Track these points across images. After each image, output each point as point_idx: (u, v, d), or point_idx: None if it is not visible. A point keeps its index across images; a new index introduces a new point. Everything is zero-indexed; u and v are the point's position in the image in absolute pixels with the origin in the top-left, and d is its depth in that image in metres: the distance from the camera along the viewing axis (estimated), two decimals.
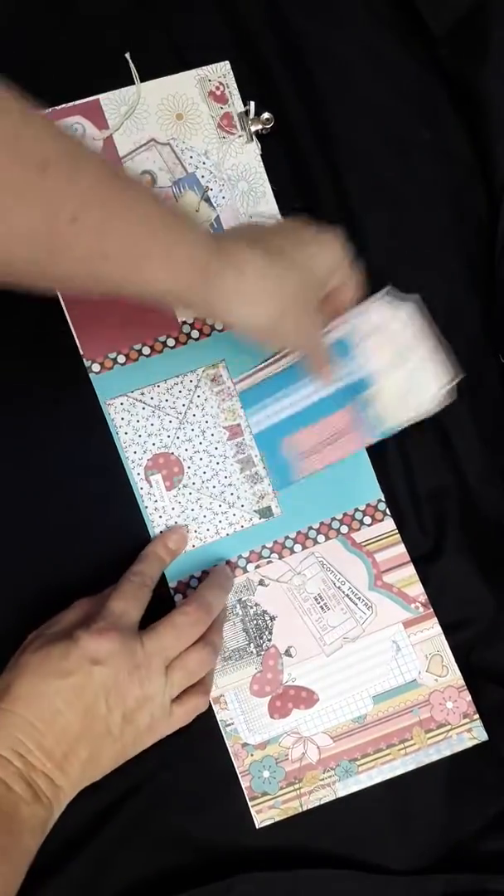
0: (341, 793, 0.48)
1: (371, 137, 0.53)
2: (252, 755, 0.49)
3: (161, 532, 0.50)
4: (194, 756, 0.48)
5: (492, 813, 0.49)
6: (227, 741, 0.49)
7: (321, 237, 0.44)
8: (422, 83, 0.54)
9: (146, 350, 0.51)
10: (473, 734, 0.49)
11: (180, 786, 0.48)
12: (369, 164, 0.52)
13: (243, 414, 0.52)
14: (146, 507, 0.50)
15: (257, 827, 0.48)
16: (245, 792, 0.48)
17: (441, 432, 0.52)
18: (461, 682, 0.50)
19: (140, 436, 0.51)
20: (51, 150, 0.32)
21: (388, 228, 0.53)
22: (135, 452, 0.50)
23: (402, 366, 0.47)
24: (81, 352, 0.50)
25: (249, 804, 0.48)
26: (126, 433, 0.50)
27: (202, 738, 0.48)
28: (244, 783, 0.48)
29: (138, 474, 0.50)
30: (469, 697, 0.50)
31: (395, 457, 0.52)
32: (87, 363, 0.51)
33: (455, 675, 0.50)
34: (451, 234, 0.53)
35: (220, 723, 0.49)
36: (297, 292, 0.42)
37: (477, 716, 0.49)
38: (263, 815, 0.48)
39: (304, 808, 0.48)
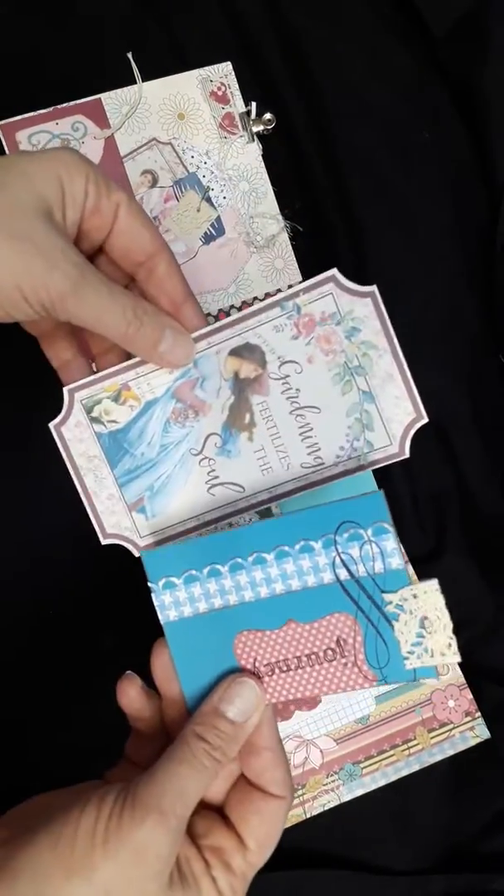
0: (346, 797, 0.48)
1: (371, 138, 0.53)
2: None
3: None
4: None
5: (492, 813, 0.49)
6: None
7: (47, 150, 0.34)
8: (422, 83, 0.54)
9: None
10: (476, 732, 0.49)
11: None
12: (369, 164, 0.53)
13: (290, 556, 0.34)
14: None
15: None
16: None
17: (441, 433, 0.52)
18: (462, 680, 0.50)
19: None
20: None
21: (388, 228, 0.53)
22: None
23: (351, 389, 0.35)
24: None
25: None
26: None
27: None
28: None
29: None
30: (470, 695, 0.50)
31: None
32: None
33: (456, 674, 0.50)
34: (451, 234, 0.53)
35: None
36: None
37: (479, 714, 0.49)
38: None
39: (308, 816, 0.48)
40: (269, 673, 0.33)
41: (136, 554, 0.38)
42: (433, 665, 0.31)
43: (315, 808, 0.48)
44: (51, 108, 0.49)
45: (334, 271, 0.35)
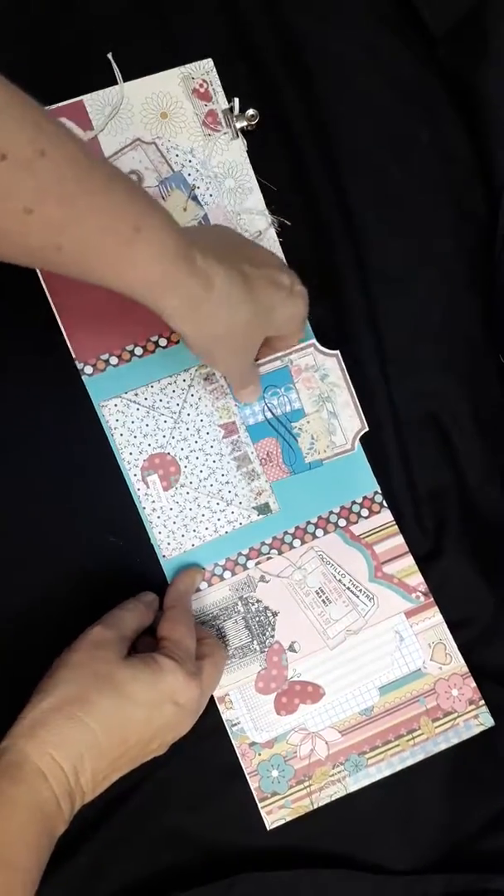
0: (352, 788, 0.48)
1: (370, 137, 0.53)
2: (260, 755, 0.48)
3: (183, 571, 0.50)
4: (195, 754, 0.48)
5: (492, 812, 0.49)
6: (233, 742, 0.48)
7: (294, 289, 0.45)
8: (421, 83, 0.54)
9: (138, 350, 0.51)
10: (480, 720, 0.49)
11: (181, 784, 0.48)
12: (369, 163, 0.53)
13: (238, 411, 0.52)
14: (144, 509, 0.50)
15: (268, 829, 0.48)
16: (254, 793, 0.48)
17: (441, 432, 0.52)
18: (465, 669, 0.50)
19: (135, 437, 0.50)
20: (11, 141, 0.31)
21: (387, 228, 0.53)
22: (130, 454, 0.50)
23: (322, 408, 0.52)
24: (73, 354, 0.50)
25: (259, 805, 0.48)
26: (121, 435, 0.50)
27: (203, 736, 0.47)
28: (253, 784, 0.48)
29: (135, 475, 0.50)
30: (473, 684, 0.50)
31: (395, 457, 0.52)
32: (79, 365, 0.50)
33: (459, 663, 0.50)
34: (451, 234, 0.53)
35: (226, 723, 0.49)
36: (247, 328, 0.42)
37: (482, 702, 0.49)
38: (274, 816, 0.48)
39: (315, 806, 0.48)
40: None
41: None
42: (319, 459, 0.52)
43: (322, 799, 0.48)
44: None
45: (313, 341, 0.52)
